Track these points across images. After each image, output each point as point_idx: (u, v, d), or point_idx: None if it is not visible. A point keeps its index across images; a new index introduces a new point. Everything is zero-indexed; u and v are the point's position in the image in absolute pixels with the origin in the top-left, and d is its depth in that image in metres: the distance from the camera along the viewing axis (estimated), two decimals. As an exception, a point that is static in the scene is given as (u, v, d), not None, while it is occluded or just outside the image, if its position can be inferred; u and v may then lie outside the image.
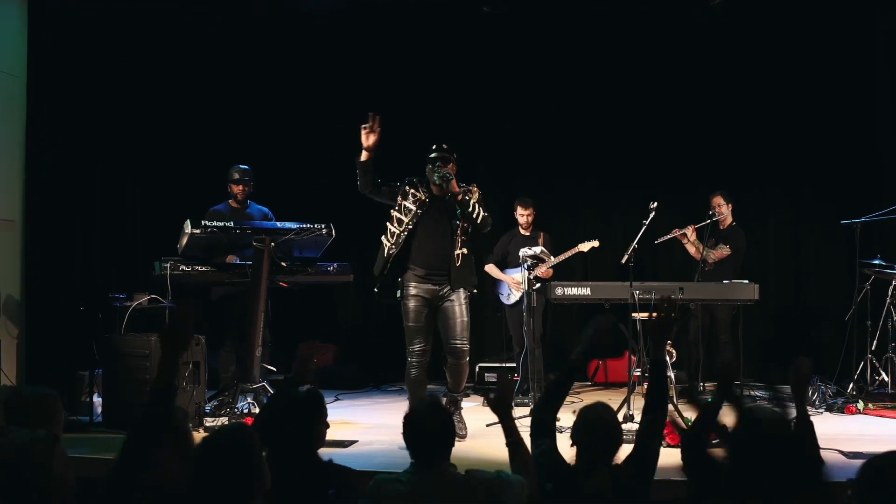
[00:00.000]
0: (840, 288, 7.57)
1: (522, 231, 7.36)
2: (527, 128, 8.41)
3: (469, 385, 7.32)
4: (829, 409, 6.33)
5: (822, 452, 4.55)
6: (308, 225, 6.03)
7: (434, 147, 5.52)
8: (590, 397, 6.81)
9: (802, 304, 8.19)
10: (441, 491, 2.94)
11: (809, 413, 5.97)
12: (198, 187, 7.12)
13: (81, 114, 6.86)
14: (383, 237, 5.53)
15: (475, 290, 5.71)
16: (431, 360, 5.61)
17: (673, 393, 6.39)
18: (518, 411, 5.52)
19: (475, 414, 6.34)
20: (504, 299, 7.40)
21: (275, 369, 6.41)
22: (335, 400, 7.22)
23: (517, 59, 8.28)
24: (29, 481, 2.39)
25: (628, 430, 5.19)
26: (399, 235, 5.45)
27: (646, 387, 6.10)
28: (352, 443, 5.33)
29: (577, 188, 8.41)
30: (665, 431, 4.17)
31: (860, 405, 6.27)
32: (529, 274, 6.41)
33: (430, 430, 2.99)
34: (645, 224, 6.38)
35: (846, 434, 5.37)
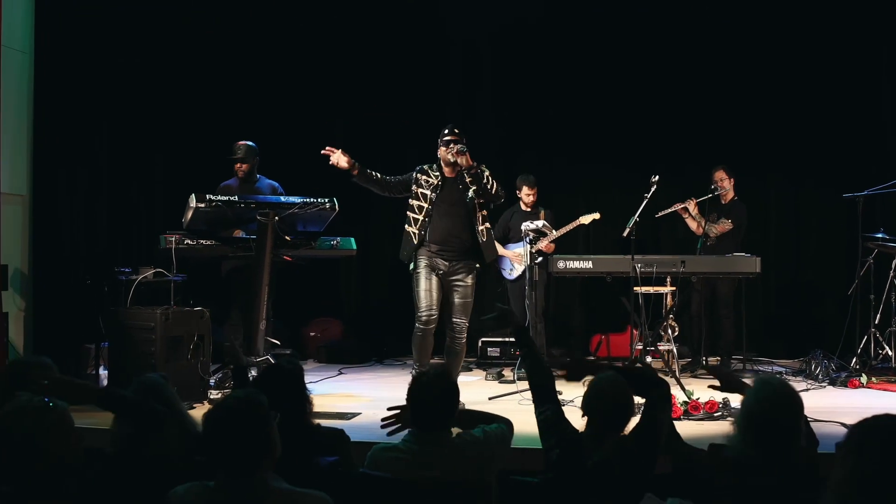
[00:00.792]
0: (843, 262, 7.54)
1: (524, 207, 7.32)
2: (527, 105, 8.34)
3: (471, 360, 7.45)
4: (833, 383, 6.31)
5: (825, 425, 4.65)
6: (312, 199, 6.02)
7: (445, 131, 5.64)
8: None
9: (805, 279, 8.15)
10: (437, 457, 2.96)
11: (812, 387, 6.11)
12: (204, 162, 7.02)
13: (88, 89, 6.82)
14: (407, 226, 5.65)
15: (478, 266, 5.75)
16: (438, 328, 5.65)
17: (675, 367, 6.46)
18: (521, 384, 5.68)
19: (477, 388, 6.36)
20: (506, 274, 7.37)
21: (279, 343, 6.41)
22: (338, 374, 7.23)
23: (518, 35, 8.21)
24: (30, 445, 2.41)
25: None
26: (422, 221, 5.60)
27: (652, 360, 6.16)
28: (354, 415, 5.33)
29: (577, 164, 8.34)
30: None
31: (863, 379, 6.24)
32: (531, 248, 6.36)
33: (435, 396, 3.00)
34: (646, 197, 6.32)
35: (849, 407, 5.32)
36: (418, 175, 5.68)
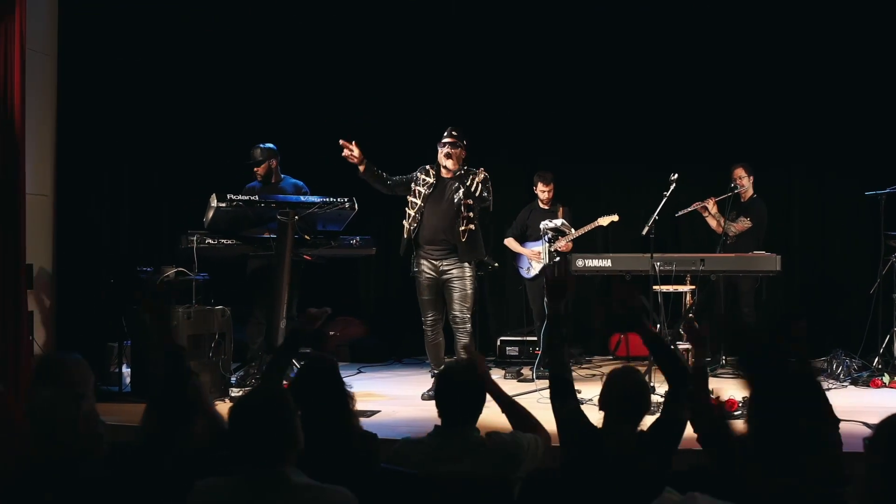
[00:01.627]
0: (865, 261, 7.46)
1: (542, 205, 7.33)
2: (546, 103, 8.29)
3: (490, 359, 7.45)
4: (854, 382, 6.27)
5: (848, 425, 4.61)
6: (331, 199, 6.06)
7: (444, 133, 5.86)
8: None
9: (827, 278, 8.07)
10: (462, 453, 2.96)
11: (834, 386, 6.06)
12: (227, 162, 7.04)
13: (110, 90, 6.89)
14: (404, 221, 5.99)
15: (496, 265, 5.96)
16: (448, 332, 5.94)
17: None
18: (540, 383, 5.75)
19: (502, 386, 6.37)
20: (524, 273, 7.38)
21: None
22: (358, 373, 7.26)
23: (536, 33, 8.17)
24: (57, 436, 2.48)
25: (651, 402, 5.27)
26: (414, 217, 5.92)
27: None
28: (374, 412, 5.37)
29: (596, 162, 8.29)
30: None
31: (886, 378, 6.20)
32: (550, 247, 6.41)
33: (462, 389, 3.02)
34: (665, 195, 6.24)
35: (871, 406, 5.29)
36: (418, 174, 5.97)
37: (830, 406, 2.76)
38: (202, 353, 5.70)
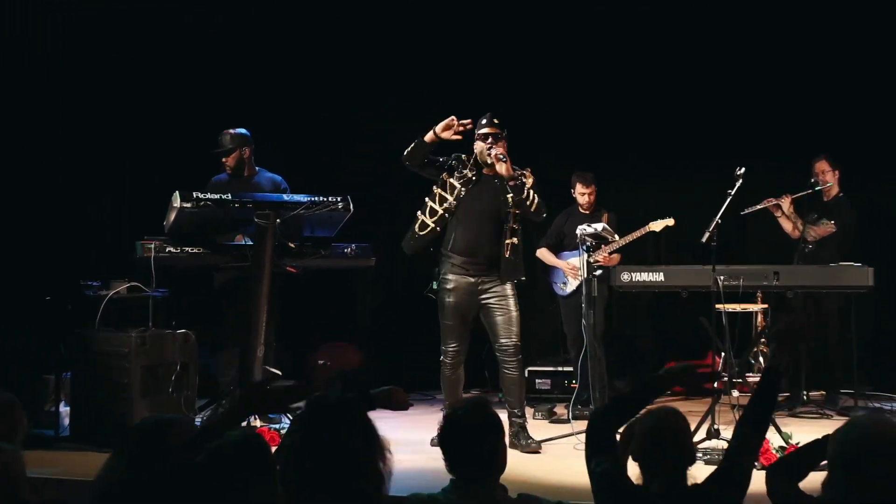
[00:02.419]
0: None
1: (582, 210, 7.27)
2: (588, 94, 8.36)
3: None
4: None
5: None
6: (321, 198, 5.97)
7: (484, 122, 5.75)
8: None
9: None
10: None
11: None
12: (195, 155, 6.98)
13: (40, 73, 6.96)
14: (420, 213, 5.79)
15: (523, 278, 5.89)
16: (468, 361, 5.90)
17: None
18: (577, 425, 5.67)
19: (530, 428, 6.14)
20: (558, 289, 7.33)
21: (280, 373, 6.28)
22: (355, 410, 7.17)
23: (576, 24, 8.32)
24: None
25: (713, 449, 5.12)
26: (441, 217, 5.72)
27: (740, 395, 6.03)
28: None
29: (645, 158, 8.27)
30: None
31: None
32: (589, 256, 6.24)
33: (473, 436, 2.92)
34: (730, 194, 6.05)
35: None
36: (454, 163, 5.75)
37: None
38: (160, 387, 5.63)
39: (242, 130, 6.62)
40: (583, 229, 6.31)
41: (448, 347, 5.77)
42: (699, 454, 4.39)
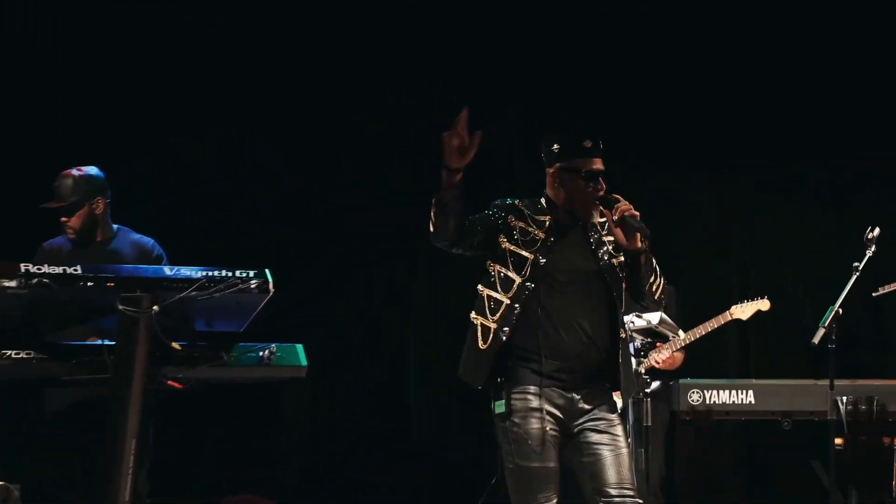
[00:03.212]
0: None
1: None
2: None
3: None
4: None
5: None
6: (224, 272, 5.16)
7: (569, 138, 4.85)
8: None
9: None
10: None
11: None
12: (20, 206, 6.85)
13: None
14: (479, 316, 4.83)
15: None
16: None
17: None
18: None
19: None
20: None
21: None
22: None
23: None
24: None
25: None
26: (523, 286, 4.69)
27: None
28: None
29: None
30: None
31: None
32: (639, 364, 6.02)
33: None
34: (857, 270, 5.85)
35: None
36: (511, 217, 4.71)
37: None
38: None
39: (93, 171, 6.15)
40: (630, 322, 5.62)
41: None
42: None
